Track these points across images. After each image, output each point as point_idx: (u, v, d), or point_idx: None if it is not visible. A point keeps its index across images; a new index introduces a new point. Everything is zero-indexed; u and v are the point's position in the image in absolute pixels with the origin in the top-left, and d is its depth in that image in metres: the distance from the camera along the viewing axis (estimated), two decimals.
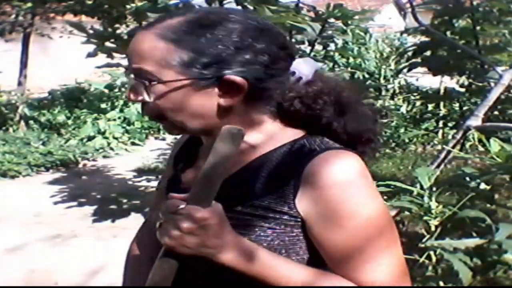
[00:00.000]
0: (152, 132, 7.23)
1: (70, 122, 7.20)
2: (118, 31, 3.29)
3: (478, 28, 3.13)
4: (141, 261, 1.00)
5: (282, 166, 0.80)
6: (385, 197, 1.52)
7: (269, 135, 0.85)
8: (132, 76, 0.82)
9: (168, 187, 0.95)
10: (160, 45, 0.80)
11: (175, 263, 0.76)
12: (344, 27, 3.45)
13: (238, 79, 0.79)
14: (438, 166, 2.76)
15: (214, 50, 0.79)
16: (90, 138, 6.50)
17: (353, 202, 0.76)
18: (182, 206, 0.73)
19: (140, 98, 0.81)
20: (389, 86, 5.53)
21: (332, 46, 3.81)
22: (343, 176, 0.77)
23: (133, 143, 6.76)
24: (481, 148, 3.22)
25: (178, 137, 1.04)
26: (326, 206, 0.76)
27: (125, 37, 3.21)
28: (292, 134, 0.84)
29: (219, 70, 0.79)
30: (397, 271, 0.78)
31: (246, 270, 0.75)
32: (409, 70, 3.78)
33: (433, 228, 1.42)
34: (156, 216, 0.78)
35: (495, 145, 1.48)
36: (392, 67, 5.59)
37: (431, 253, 1.44)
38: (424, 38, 3.45)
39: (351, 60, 5.08)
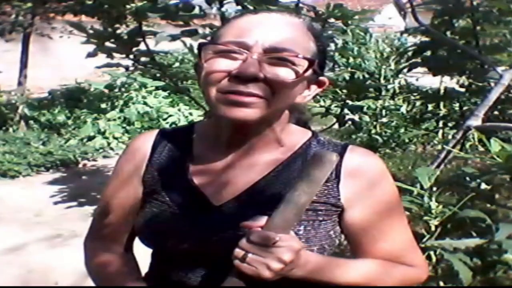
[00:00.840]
0: None
1: (70, 122, 7.20)
2: (118, 31, 3.28)
3: (478, 28, 3.13)
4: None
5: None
6: None
7: (292, 133, 0.93)
8: (259, 53, 0.82)
9: (163, 184, 0.93)
10: (308, 35, 0.88)
11: (243, 284, 0.78)
12: (344, 27, 3.45)
13: (327, 81, 0.92)
14: (438, 166, 2.76)
15: (322, 55, 0.91)
16: (90, 138, 6.50)
17: (390, 187, 0.92)
18: (277, 238, 0.75)
19: (277, 76, 0.83)
20: (389, 86, 5.53)
21: (332, 46, 3.80)
22: (379, 166, 0.91)
23: None
24: (481, 148, 3.22)
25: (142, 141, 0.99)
26: (370, 193, 0.88)
27: (125, 37, 3.21)
28: (303, 132, 0.95)
29: (321, 71, 0.92)
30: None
31: (318, 278, 0.83)
32: (409, 70, 3.77)
33: (433, 228, 1.42)
34: (239, 250, 0.77)
35: (495, 145, 1.48)
36: (392, 67, 5.59)
37: (431, 253, 1.44)
38: (424, 38, 3.45)
39: (351, 60, 5.07)
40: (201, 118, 7.42)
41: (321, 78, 0.92)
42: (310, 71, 0.86)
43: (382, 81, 5.45)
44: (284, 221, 0.76)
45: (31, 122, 7.28)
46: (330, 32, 3.42)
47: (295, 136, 0.93)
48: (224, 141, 0.90)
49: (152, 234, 0.92)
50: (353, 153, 0.90)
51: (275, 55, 0.83)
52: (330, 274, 0.84)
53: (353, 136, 6.01)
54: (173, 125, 6.86)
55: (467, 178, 1.62)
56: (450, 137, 3.28)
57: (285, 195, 0.78)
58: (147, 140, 0.98)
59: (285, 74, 0.83)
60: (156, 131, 1.00)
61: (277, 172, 0.89)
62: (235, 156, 0.91)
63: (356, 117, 4.69)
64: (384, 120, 5.68)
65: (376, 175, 0.90)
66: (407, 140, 5.76)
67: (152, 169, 0.95)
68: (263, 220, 0.78)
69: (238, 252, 0.76)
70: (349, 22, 3.44)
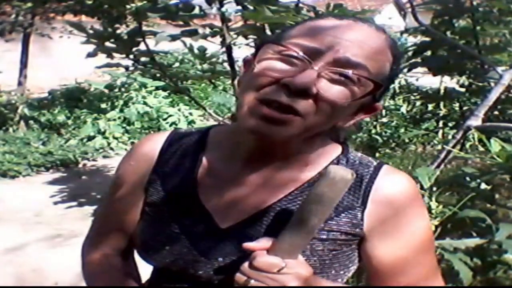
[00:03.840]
0: (152, 132, 7.24)
1: (70, 122, 7.20)
2: (118, 31, 3.28)
3: (478, 28, 3.13)
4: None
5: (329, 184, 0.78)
6: None
7: (321, 150, 0.81)
8: (324, 64, 0.70)
9: (175, 202, 0.84)
10: (387, 54, 0.76)
11: None
12: None
13: (380, 107, 0.80)
14: (438, 166, 2.76)
15: (391, 80, 0.78)
16: (90, 138, 6.50)
17: (424, 221, 0.80)
18: (283, 265, 0.68)
19: (331, 95, 0.71)
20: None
21: None
22: (416, 195, 0.80)
23: (133, 143, 6.76)
24: (481, 148, 3.22)
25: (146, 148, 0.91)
26: (401, 225, 0.76)
27: (125, 37, 3.21)
28: (333, 148, 0.83)
29: (379, 98, 0.79)
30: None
31: None
32: (409, 70, 3.77)
33: (433, 228, 1.42)
34: (244, 274, 0.71)
35: (495, 145, 1.48)
36: None
37: None
38: (424, 38, 3.45)
39: None
40: (201, 118, 7.42)
41: (376, 104, 0.79)
42: (369, 96, 0.73)
43: None
44: (291, 245, 0.69)
45: (31, 122, 7.28)
46: None
47: (323, 153, 0.81)
48: (242, 155, 0.80)
49: (149, 250, 0.84)
50: (388, 176, 0.79)
51: (342, 71, 0.70)
52: None
53: (353, 136, 6.01)
54: (173, 125, 6.86)
55: (467, 178, 1.62)
56: (450, 137, 3.28)
57: (292, 216, 0.70)
58: (154, 145, 0.88)
59: (341, 93, 0.71)
60: (166, 133, 0.90)
61: (295, 195, 0.78)
62: (250, 174, 0.80)
63: None
64: (384, 120, 5.68)
65: (411, 206, 0.78)
66: (407, 140, 5.76)
67: (157, 178, 0.86)
68: (268, 242, 0.71)
69: (240, 277, 0.70)
70: None
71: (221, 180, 0.81)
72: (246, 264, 0.71)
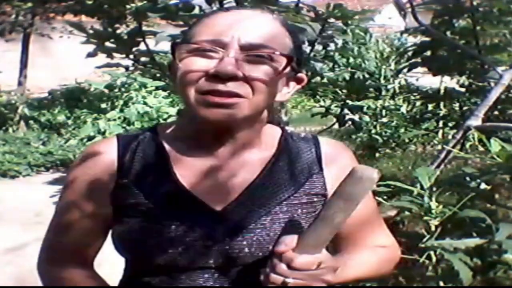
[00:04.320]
0: None
1: (70, 122, 7.21)
2: (118, 31, 3.28)
3: (478, 28, 3.13)
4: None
5: (297, 159, 0.91)
6: (385, 197, 1.52)
7: (268, 131, 0.93)
8: (236, 51, 0.80)
9: (161, 200, 0.86)
10: (283, 31, 0.86)
11: None
12: (344, 27, 3.44)
13: (305, 77, 0.91)
14: (438, 166, 2.76)
15: (298, 51, 0.90)
16: (90, 138, 6.49)
17: None
18: (320, 261, 0.76)
19: (255, 73, 0.81)
20: (389, 86, 5.52)
21: (332, 46, 3.80)
22: (351, 153, 0.96)
23: None
24: (481, 148, 3.22)
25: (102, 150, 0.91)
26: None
27: (125, 37, 3.21)
28: (274, 128, 0.95)
29: (298, 67, 0.90)
30: None
31: (337, 281, 0.83)
32: (409, 70, 3.77)
33: (433, 228, 1.42)
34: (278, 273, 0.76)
35: (495, 145, 1.48)
36: (392, 67, 5.58)
37: (431, 253, 1.44)
38: (424, 38, 3.45)
39: (351, 60, 5.06)
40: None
41: (299, 74, 0.90)
42: (288, 68, 0.84)
43: (382, 81, 5.45)
44: (317, 240, 0.75)
45: (31, 122, 7.28)
46: (330, 32, 3.41)
47: (271, 133, 0.93)
48: (207, 143, 0.87)
49: (149, 250, 0.85)
50: (327, 144, 0.95)
51: (253, 53, 0.81)
52: (343, 275, 0.86)
53: (353, 136, 6.01)
54: None
55: (467, 178, 1.62)
56: (450, 137, 3.28)
57: (320, 213, 0.77)
58: (108, 149, 0.90)
59: (264, 71, 0.81)
60: (113, 138, 0.91)
61: (269, 170, 0.88)
62: (221, 158, 0.87)
63: (356, 117, 4.69)
64: (384, 120, 5.67)
65: (351, 161, 0.93)
66: (407, 140, 5.75)
67: (126, 180, 0.87)
68: (294, 240, 0.77)
69: (276, 278, 0.75)
70: (349, 22, 3.44)
71: (196, 169, 0.87)
72: (282, 265, 0.75)
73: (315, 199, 0.89)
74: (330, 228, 0.74)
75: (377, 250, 0.95)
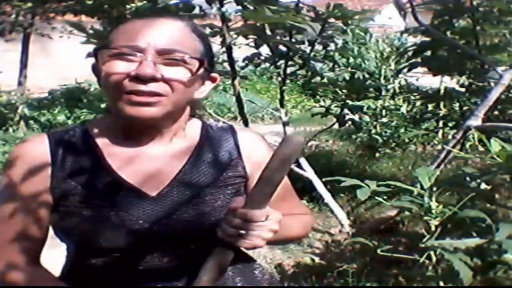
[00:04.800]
0: None
1: (70, 122, 7.20)
2: None
3: (478, 28, 3.13)
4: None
5: (218, 146, 1.03)
6: (385, 197, 1.52)
7: (191, 124, 1.04)
8: (153, 55, 0.89)
9: (100, 192, 0.93)
10: (193, 36, 0.96)
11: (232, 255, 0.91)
12: (344, 27, 3.45)
13: (219, 77, 1.02)
14: (438, 166, 2.76)
15: (209, 54, 1.00)
16: None
17: None
18: (269, 213, 0.87)
19: (173, 74, 0.91)
20: (389, 86, 5.52)
21: (332, 46, 3.81)
22: (264, 140, 1.10)
23: None
24: (481, 148, 3.22)
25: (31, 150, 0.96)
26: (263, 162, 0.90)
27: None
28: (196, 121, 1.06)
29: (211, 68, 1.01)
30: None
31: (273, 239, 0.92)
32: (409, 70, 3.78)
33: (433, 228, 1.42)
34: (232, 226, 0.87)
35: (495, 145, 1.48)
36: (392, 67, 5.58)
37: (431, 253, 1.44)
38: (424, 38, 3.45)
39: (351, 60, 5.06)
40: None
41: (212, 74, 1.01)
42: (202, 69, 0.94)
43: (382, 81, 5.44)
44: (262, 197, 0.86)
45: (31, 122, 7.28)
46: (330, 32, 3.42)
47: (193, 126, 1.04)
48: (136, 136, 0.97)
49: (97, 239, 0.91)
50: (243, 132, 1.08)
51: (168, 57, 0.90)
52: (282, 233, 0.95)
53: (353, 136, 6.01)
54: None
55: (467, 178, 1.62)
56: (450, 137, 3.28)
57: (262, 173, 0.87)
58: (40, 148, 0.95)
59: (181, 73, 0.91)
60: (43, 136, 0.97)
61: (194, 158, 1.00)
62: (150, 149, 0.97)
63: (356, 117, 4.69)
64: (384, 120, 5.67)
65: (267, 149, 1.06)
66: (407, 140, 5.75)
67: (63, 175, 0.93)
68: (243, 200, 0.88)
69: (232, 231, 0.87)
70: (349, 22, 3.44)
71: (129, 160, 0.96)
72: (237, 220, 0.86)
73: (237, 181, 1.01)
74: (271, 186, 0.86)
75: (299, 217, 1.13)
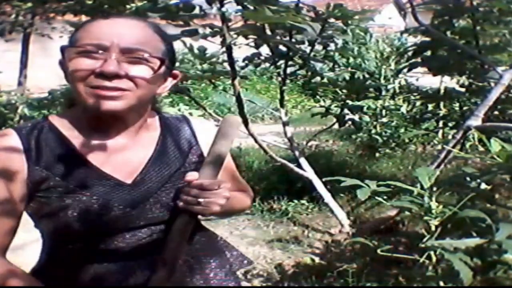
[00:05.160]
0: None
1: None
2: None
3: (478, 28, 3.13)
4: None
5: (177, 135, 1.13)
6: (385, 197, 1.52)
7: (152, 116, 1.13)
8: (117, 53, 0.95)
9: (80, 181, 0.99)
10: (156, 36, 1.03)
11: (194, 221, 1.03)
12: (344, 27, 3.44)
13: (180, 73, 1.10)
14: (438, 166, 2.76)
15: (171, 53, 1.07)
16: None
17: None
18: (219, 183, 0.99)
19: (137, 72, 0.97)
20: (389, 86, 5.52)
21: (332, 46, 3.81)
22: (212, 125, 1.20)
23: None
24: (481, 148, 3.22)
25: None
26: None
27: None
28: (153, 113, 1.14)
29: (172, 66, 1.08)
30: None
31: (224, 208, 1.03)
32: (409, 70, 3.78)
33: (433, 228, 1.42)
34: (190, 195, 0.98)
35: (495, 145, 1.48)
36: (392, 67, 5.58)
37: (431, 253, 1.44)
38: (424, 38, 3.45)
39: (351, 60, 5.07)
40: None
41: (174, 72, 1.09)
42: (163, 67, 1.01)
43: (382, 81, 5.45)
44: (212, 171, 1.00)
45: None
46: (330, 32, 3.42)
47: (153, 118, 1.13)
48: (103, 128, 1.03)
49: (66, 220, 0.97)
50: (196, 120, 1.20)
51: (131, 55, 0.97)
52: (230, 203, 1.06)
53: (353, 136, 6.01)
54: None
55: (467, 178, 1.62)
56: (450, 137, 3.28)
57: (210, 150, 1.01)
58: (12, 142, 0.99)
59: (143, 71, 0.98)
60: (11, 133, 1.00)
61: (160, 146, 1.09)
62: (119, 140, 1.04)
63: (356, 117, 4.69)
64: (384, 120, 5.67)
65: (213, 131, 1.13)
66: (407, 140, 5.75)
67: (38, 167, 0.98)
68: (196, 174, 1.00)
69: (191, 199, 0.98)
70: (349, 22, 3.44)
71: (101, 151, 1.03)
72: (194, 190, 0.98)
73: (198, 166, 1.07)
74: (219, 160, 1.00)
75: (242, 192, 1.26)
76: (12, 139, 0.99)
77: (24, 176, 0.97)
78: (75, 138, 1.02)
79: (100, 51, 0.95)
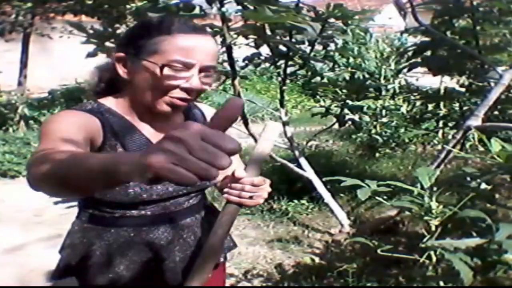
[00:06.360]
0: None
1: None
2: (118, 31, 3.28)
3: (478, 28, 3.13)
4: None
5: (193, 117, 1.33)
6: (385, 197, 1.52)
7: None
8: (198, 70, 1.14)
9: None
10: (217, 48, 1.21)
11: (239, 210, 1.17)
12: (344, 27, 3.44)
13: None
14: (438, 166, 2.76)
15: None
16: None
17: None
18: (263, 179, 1.16)
19: (207, 85, 1.18)
20: (389, 86, 5.51)
21: (332, 46, 3.81)
22: (213, 108, 1.41)
23: None
24: (481, 148, 3.22)
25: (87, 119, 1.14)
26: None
27: None
28: None
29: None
30: None
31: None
32: (409, 70, 3.77)
33: (433, 228, 1.43)
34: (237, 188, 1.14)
35: (495, 145, 1.48)
36: (392, 67, 5.58)
37: (432, 253, 1.44)
38: (424, 38, 3.45)
39: (351, 60, 5.06)
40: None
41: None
42: None
43: (382, 81, 5.44)
44: (256, 168, 1.14)
45: (31, 122, 7.27)
46: (330, 32, 3.42)
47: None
48: (155, 117, 1.21)
49: (130, 191, 1.17)
50: (203, 106, 1.41)
51: (207, 73, 1.16)
52: None
53: (353, 136, 6.01)
54: None
55: (467, 178, 1.62)
56: (450, 137, 3.28)
57: (254, 151, 1.13)
58: (91, 117, 1.15)
59: (210, 82, 1.19)
60: (83, 113, 1.14)
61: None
62: (158, 125, 1.23)
63: (356, 117, 4.69)
64: (384, 120, 5.67)
65: None
66: (407, 140, 5.75)
67: (114, 143, 1.16)
68: (243, 172, 1.14)
69: (245, 194, 1.13)
70: (349, 22, 3.44)
71: (151, 132, 1.22)
72: (247, 186, 1.12)
73: None
74: (261, 159, 1.13)
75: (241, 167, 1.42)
76: (91, 115, 1.14)
77: (97, 142, 1.13)
78: (134, 121, 1.21)
79: (188, 69, 1.12)
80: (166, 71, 1.11)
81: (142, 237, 1.23)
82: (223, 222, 1.13)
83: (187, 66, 1.12)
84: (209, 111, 1.38)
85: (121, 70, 1.18)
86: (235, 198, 1.13)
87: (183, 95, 1.14)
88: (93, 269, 1.21)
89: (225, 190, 1.16)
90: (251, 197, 1.14)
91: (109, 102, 1.23)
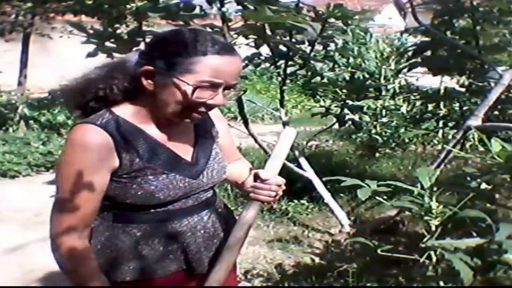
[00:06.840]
0: None
1: (70, 122, 7.19)
2: (118, 31, 3.28)
3: (478, 28, 3.13)
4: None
5: (204, 121, 1.35)
6: (385, 197, 1.52)
7: None
8: (223, 87, 1.20)
9: (165, 166, 1.24)
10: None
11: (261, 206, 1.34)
12: (344, 27, 3.45)
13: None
14: (438, 166, 2.76)
15: None
16: None
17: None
18: (282, 179, 1.32)
19: (229, 101, 1.28)
20: (389, 86, 5.51)
21: (332, 46, 3.81)
22: (221, 115, 1.49)
23: None
24: (481, 148, 3.22)
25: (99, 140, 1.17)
26: (226, 127, 1.49)
27: (125, 37, 3.21)
28: None
29: None
30: None
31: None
32: (409, 70, 3.78)
33: (433, 228, 1.42)
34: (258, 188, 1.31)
35: (496, 145, 1.48)
36: (392, 67, 5.58)
37: (432, 253, 1.44)
38: (424, 38, 3.46)
39: (351, 60, 5.06)
40: None
41: None
42: None
43: (382, 81, 5.44)
44: (274, 169, 1.30)
45: (31, 122, 7.27)
46: (330, 32, 3.42)
47: None
48: (166, 124, 1.26)
49: (164, 196, 1.22)
50: (211, 113, 1.43)
51: (230, 91, 1.23)
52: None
53: (353, 136, 6.01)
54: None
55: (467, 178, 1.62)
56: (450, 137, 3.28)
57: (272, 154, 1.32)
58: (102, 134, 1.16)
59: (232, 97, 1.30)
60: (96, 130, 1.16)
61: (198, 131, 1.36)
62: (172, 131, 1.28)
63: (356, 117, 4.69)
64: (384, 120, 5.67)
65: (220, 114, 1.46)
66: (407, 140, 5.75)
67: (127, 154, 1.18)
68: (265, 173, 1.31)
69: (271, 193, 1.30)
70: (349, 22, 3.44)
71: (164, 138, 1.27)
72: (273, 186, 1.30)
73: (217, 140, 1.42)
74: (280, 162, 1.31)
75: (241, 160, 1.56)
76: (102, 134, 1.16)
77: (114, 163, 1.17)
78: (145, 127, 1.24)
79: (215, 89, 1.18)
80: (198, 88, 1.16)
81: (167, 228, 1.27)
82: (248, 218, 1.27)
83: (215, 86, 1.17)
84: (213, 114, 1.40)
85: (146, 82, 1.19)
86: (264, 197, 1.30)
87: (204, 109, 1.21)
88: (120, 260, 1.25)
89: (251, 189, 1.31)
90: (277, 195, 1.31)
91: (121, 111, 1.24)
